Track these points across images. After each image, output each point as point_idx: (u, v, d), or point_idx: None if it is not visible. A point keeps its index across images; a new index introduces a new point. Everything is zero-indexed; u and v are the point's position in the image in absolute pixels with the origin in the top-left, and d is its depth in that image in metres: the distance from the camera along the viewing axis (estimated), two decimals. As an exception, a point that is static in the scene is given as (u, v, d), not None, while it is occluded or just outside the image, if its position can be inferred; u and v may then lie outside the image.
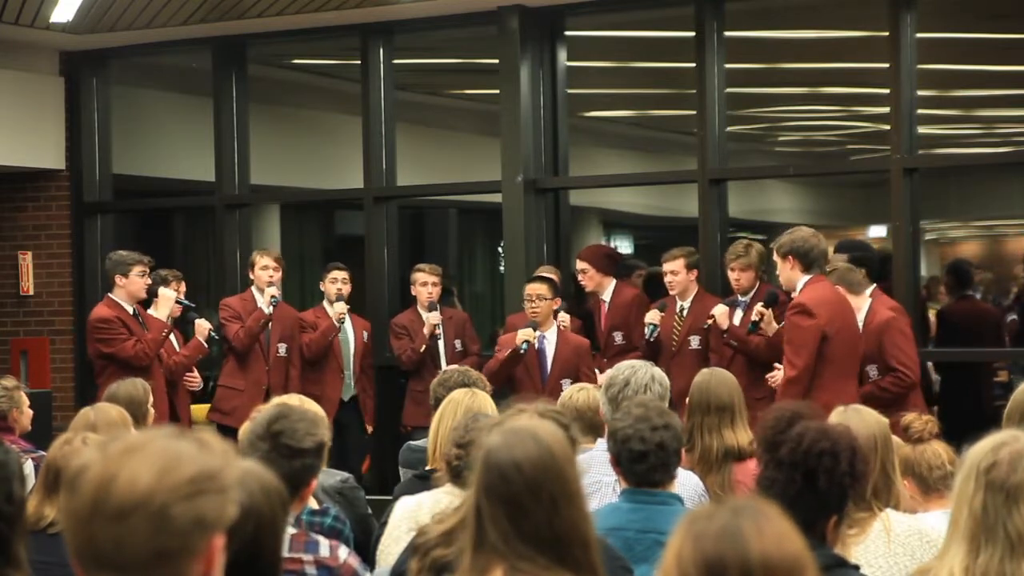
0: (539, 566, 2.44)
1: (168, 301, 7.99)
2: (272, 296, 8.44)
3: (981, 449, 2.75)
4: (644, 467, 3.76)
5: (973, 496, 2.70)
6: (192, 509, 1.79)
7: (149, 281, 7.98)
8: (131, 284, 7.90)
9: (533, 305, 7.73)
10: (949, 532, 2.77)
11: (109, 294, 8.00)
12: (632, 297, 8.28)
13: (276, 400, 4.25)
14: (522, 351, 7.66)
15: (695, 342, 7.88)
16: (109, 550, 1.78)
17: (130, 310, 7.95)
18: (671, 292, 7.98)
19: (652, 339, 7.82)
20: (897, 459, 4.06)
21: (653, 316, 7.85)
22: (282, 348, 8.55)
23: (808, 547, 2.02)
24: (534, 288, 7.79)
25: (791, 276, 6.60)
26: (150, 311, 8.07)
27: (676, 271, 7.92)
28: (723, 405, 5.08)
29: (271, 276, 8.50)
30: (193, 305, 8.31)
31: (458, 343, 8.59)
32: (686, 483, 4.48)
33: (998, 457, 2.71)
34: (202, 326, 8.20)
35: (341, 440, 8.19)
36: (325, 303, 8.68)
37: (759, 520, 1.97)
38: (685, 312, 7.93)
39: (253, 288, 8.60)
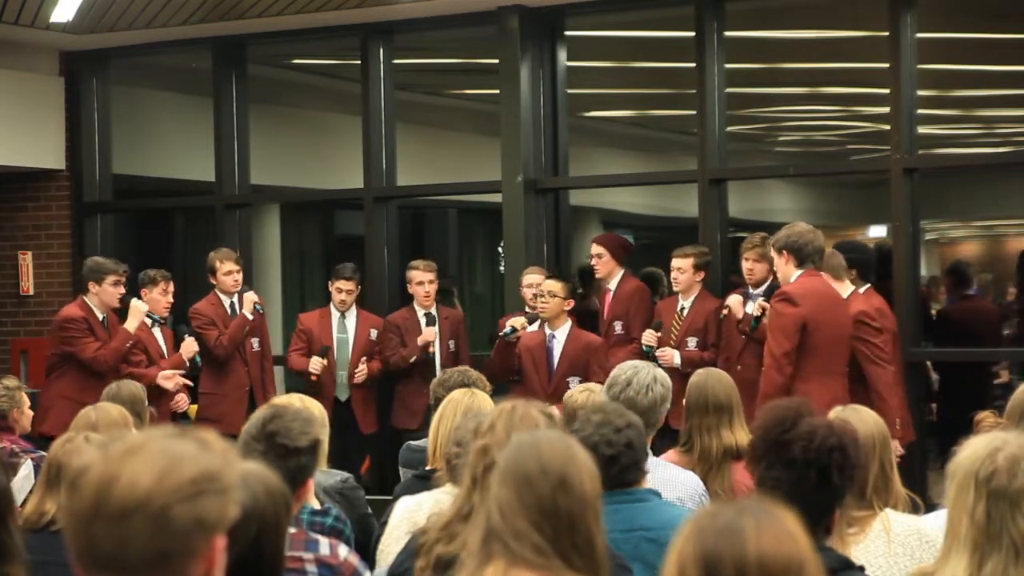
0: (533, 548, 2.42)
1: (138, 313, 7.98)
2: (256, 304, 8.44)
3: (975, 456, 2.72)
4: (617, 469, 3.75)
5: (974, 506, 2.67)
6: (193, 510, 1.79)
7: (123, 291, 7.99)
8: (103, 293, 7.95)
9: (543, 300, 7.71)
10: (948, 541, 2.74)
11: (83, 296, 8.05)
12: (634, 289, 8.28)
13: (273, 400, 4.26)
14: (503, 335, 7.65)
15: (692, 343, 7.88)
16: (110, 551, 1.78)
17: (100, 316, 7.99)
18: (675, 287, 8.00)
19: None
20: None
21: (648, 337, 7.85)
22: (255, 343, 8.56)
23: (813, 548, 2.02)
24: (548, 285, 7.75)
25: (786, 271, 6.65)
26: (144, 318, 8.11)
27: (683, 269, 7.94)
28: (721, 405, 5.08)
29: (236, 280, 8.50)
30: (160, 320, 8.24)
31: (452, 344, 8.58)
32: (686, 483, 4.48)
33: (996, 465, 2.68)
34: (189, 346, 8.19)
35: (340, 440, 8.18)
36: (332, 308, 8.67)
37: (761, 519, 1.97)
38: (685, 312, 7.94)
39: (218, 292, 8.55)
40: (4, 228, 10.29)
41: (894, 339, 7.17)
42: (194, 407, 8.62)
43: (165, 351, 8.28)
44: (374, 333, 8.73)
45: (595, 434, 3.74)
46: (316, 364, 8.46)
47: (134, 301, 8.03)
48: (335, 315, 8.64)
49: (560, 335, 7.73)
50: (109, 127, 10.29)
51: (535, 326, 7.82)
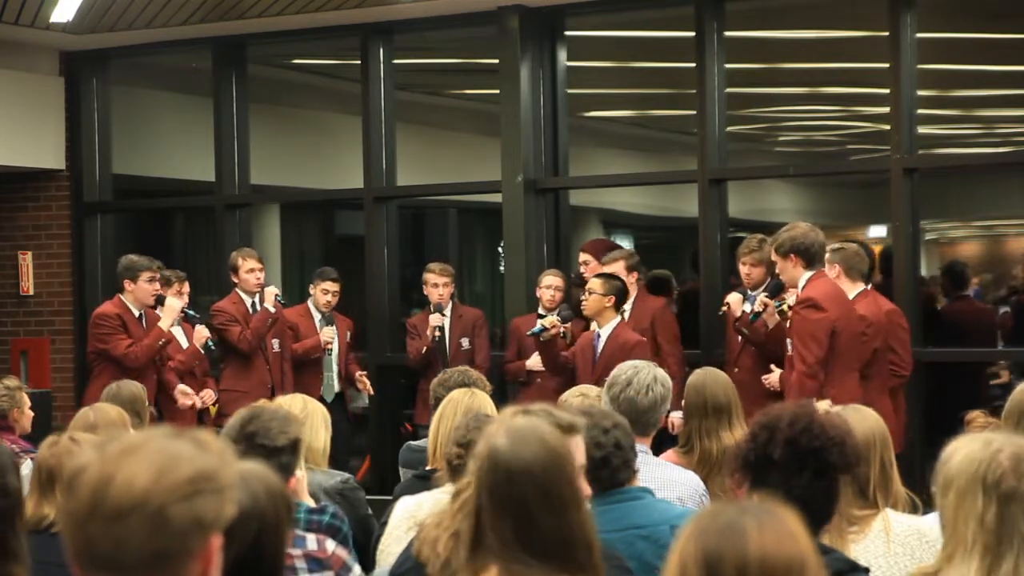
0: (534, 569, 2.42)
1: (173, 311, 8.03)
2: (277, 295, 8.48)
3: (975, 460, 2.69)
4: (607, 471, 3.74)
5: (984, 510, 2.65)
6: (190, 509, 1.79)
7: (158, 287, 8.05)
8: (139, 290, 7.98)
9: (583, 298, 7.66)
10: (949, 547, 2.71)
11: (119, 294, 8.07)
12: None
13: (276, 400, 4.26)
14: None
15: None
16: (107, 551, 1.78)
17: (136, 312, 8.01)
18: None
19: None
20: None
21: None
22: (276, 344, 8.59)
23: (816, 549, 2.01)
24: (590, 284, 7.63)
25: (793, 274, 6.58)
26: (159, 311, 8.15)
27: (616, 273, 7.91)
28: (720, 407, 5.07)
29: (259, 278, 8.54)
30: (198, 316, 8.33)
31: (465, 341, 8.60)
32: (687, 482, 4.48)
33: (1002, 467, 2.66)
34: (200, 332, 8.22)
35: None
36: (311, 306, 8.75)
37: (763, 518, 1.97)
38: (627, 314, 7.90)
39: (239, 291, 8.60)
40: (4, 228, 10.30)
41: (855, 342, 7.04)
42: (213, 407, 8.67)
43: (185, 345, 8.32)
44: (348, 335, 8.87)
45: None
46: (328, 333, 8.64)
47: (169, 299, 8.07)
48: (316, 316, 8.73)
49: (604, 333, 7.54)
50: (109, 127, 10.29)
51: (565, 323, 7.79)
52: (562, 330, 7.74)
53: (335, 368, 8.76)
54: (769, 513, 1.99)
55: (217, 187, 9.94)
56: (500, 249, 10.11)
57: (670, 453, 5.14)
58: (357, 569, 3.55)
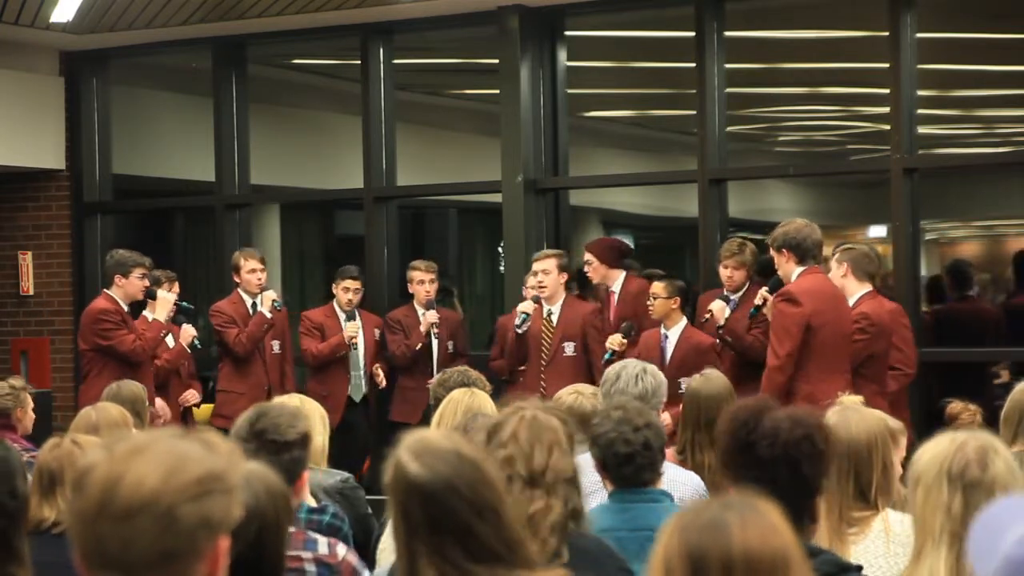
0: (454, 559, 2.40)
1: (167, 304, 8.01)
2: (274, 301, 8.45)
3: (941, 455, 2.76)
4: (631, 468, 3.75)
5: (950, 500, 2.72)
6: (199, 510, 1.79)
7: (147, 284, 8.02)
8: (130, 285, 7.94)
9: (649, 304, 7.62)
10: (919, 541, 2.77)
11: (106, 290, 8.02)
12: (640, 289, 8.25)
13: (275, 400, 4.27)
14: (607, 360, 7.53)
15: (569, 348, 7.83)
16: (116, 550, 1.78)
17: (125, 308, 7.99)
18: (541, 294, 7.93)
19: (521, 330, 7.77)
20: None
21: (526, 306, 7.81)
22: (276, 345, 8.57)
23: (799, 544, 2.03)
24: (653, 288, 7.59)
25: (787, 269, 6.60)
26: (145, 312, 8.13)
27: (548, 271, 7.85)
28: (713, 420, 5.06)
29: (260, 279, 8.52)
30: (192, 307, 8.32)
31: (450, 344, 8.61)
32: (687, 483, 4.50)
33: (967, 458, 2.73)
34: (187, 332, 8.20)
35: (346, 439, 8.17)
36: (336, 306, 8.71)
37: (746, 514, 1.98)
38: (555, 318, 7.85)
39: (240, 291, 8.59)
40: (4, 228, 10.30)
41: (840, 341, 7.02)
42: (207, 406, 8.64)
43: (171, 344, 8.30)
44: (377, 332, 8.79)
45: (613, 431, 3.76)
46: (352, 328, 8.56)
47: (161, 292, 8.05)
48: (341, 315, 8.69)
49: (673, 335, 7.49)
50: (109, 127, 10.29)
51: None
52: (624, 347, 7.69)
53: (362, 367, 8.68)
54: (751, 508, 2.00)
55: (217, 187, 9.94)
56: (500, 249, 10.11)
57: (669, 452, 5.15)
58: (367, 575, 3.54)
